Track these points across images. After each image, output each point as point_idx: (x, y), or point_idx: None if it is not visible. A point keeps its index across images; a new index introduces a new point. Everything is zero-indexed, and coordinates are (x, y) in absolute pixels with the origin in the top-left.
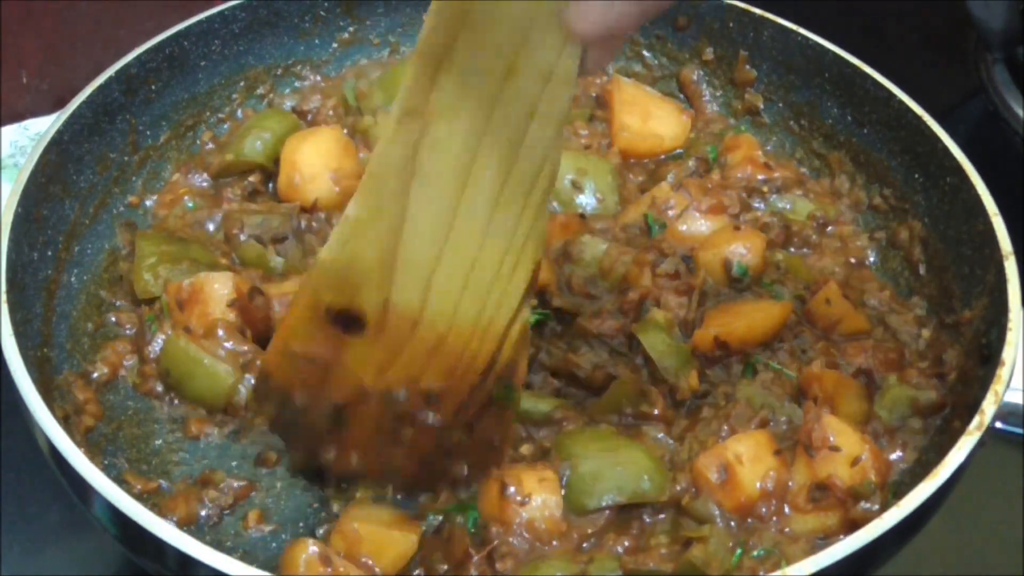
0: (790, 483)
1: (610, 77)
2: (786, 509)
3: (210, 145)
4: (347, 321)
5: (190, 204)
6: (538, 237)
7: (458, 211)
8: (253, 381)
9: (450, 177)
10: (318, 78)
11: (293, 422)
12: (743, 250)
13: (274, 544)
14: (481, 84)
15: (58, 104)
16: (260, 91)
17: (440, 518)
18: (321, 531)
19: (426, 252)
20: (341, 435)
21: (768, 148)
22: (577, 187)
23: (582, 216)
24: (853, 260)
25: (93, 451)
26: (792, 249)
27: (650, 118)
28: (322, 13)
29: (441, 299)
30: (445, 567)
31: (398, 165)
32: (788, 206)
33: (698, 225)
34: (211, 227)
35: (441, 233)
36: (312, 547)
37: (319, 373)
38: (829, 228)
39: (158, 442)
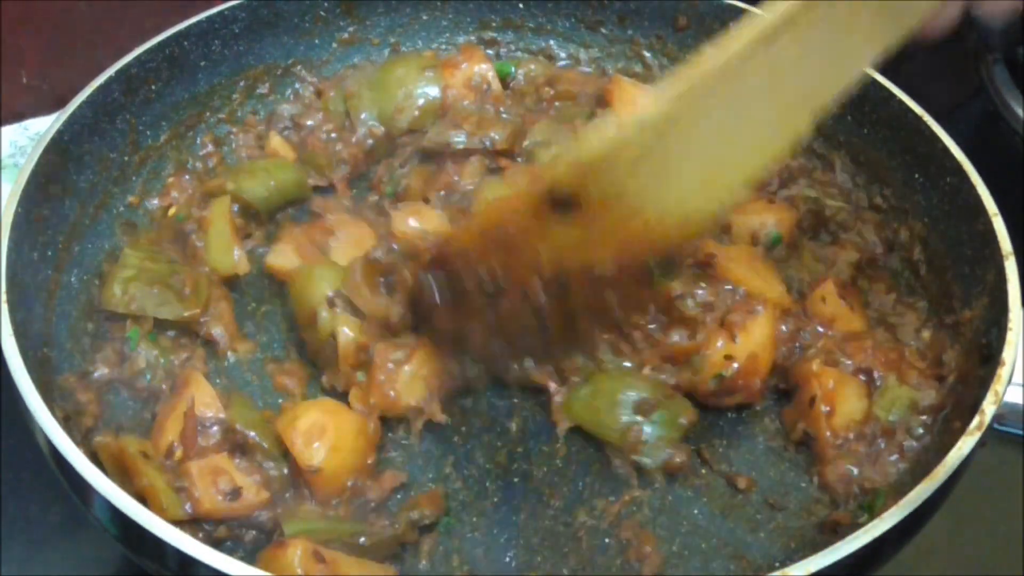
0: None
1: (610, 77)
2: None
3: (210, 147)
4: (563, 203)
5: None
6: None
7: (745, 113)
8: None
9: (766, 83)
10: (318, 79)
11: (440, 301)
12: (773, 221)
13: None
14: None
15: (58, 104)
16: (260, 91)
17: None
18: None
19: (695, 152)
20: (486, 319)
21: None
22: None
23: None
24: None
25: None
26: (824, 236)
27: None
28: (322, 13)
29: (672, 194)
30: None
31: (735, 69)
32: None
33: None
34: None
35: (719, 134)
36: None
37: (501, 253)
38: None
39: None
